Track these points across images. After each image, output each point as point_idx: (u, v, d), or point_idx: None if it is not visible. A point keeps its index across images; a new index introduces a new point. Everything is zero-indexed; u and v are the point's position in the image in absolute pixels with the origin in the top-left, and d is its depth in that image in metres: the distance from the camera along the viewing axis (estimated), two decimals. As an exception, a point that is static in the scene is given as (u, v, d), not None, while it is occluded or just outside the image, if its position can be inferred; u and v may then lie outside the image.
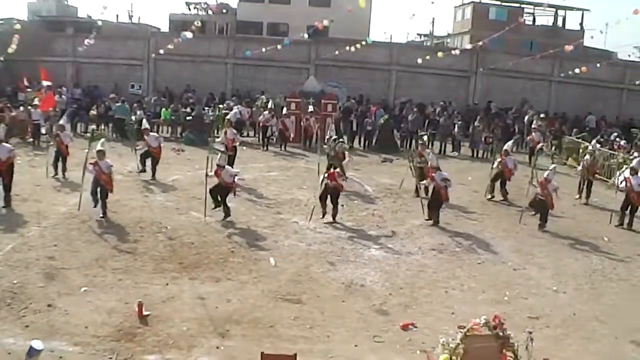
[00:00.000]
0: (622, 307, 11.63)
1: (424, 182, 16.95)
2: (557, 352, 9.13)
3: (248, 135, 28.38)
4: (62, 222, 14.53)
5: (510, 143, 20.34)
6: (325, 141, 18.47)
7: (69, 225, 14.26)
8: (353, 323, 10.26)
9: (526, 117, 30.54)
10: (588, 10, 59.86)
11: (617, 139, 26.82)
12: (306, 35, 28.17)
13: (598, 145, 23.91)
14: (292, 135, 26.78)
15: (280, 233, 14.75)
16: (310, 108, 26.84)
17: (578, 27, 53.03)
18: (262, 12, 48.83)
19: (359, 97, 34.28)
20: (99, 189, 15.00)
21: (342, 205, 16.60)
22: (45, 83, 24.47)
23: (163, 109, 28.61)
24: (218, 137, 21.68)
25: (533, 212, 16.55)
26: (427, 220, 16.10)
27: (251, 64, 34.82)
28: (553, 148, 27.10)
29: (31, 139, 24.35)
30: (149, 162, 19.45)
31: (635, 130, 32.17)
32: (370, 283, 12.03)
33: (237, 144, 20.20)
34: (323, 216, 15.83)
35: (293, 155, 25.32)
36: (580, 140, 25.74)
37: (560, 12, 53.04)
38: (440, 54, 29.07)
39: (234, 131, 21.11)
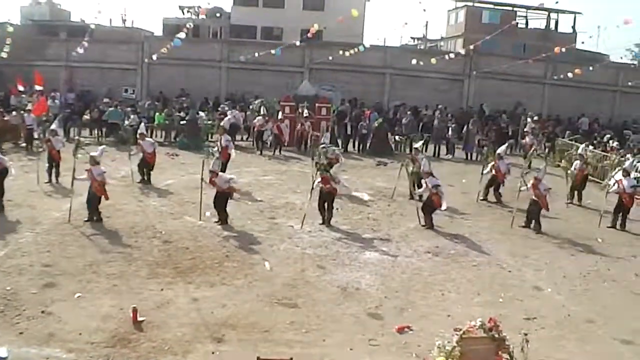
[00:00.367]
0: (616, 307, 11.65)
1: (420, 190, 16.93)
2: (552, 353, 9.14)
3: (242, 140, 28.33)
4: (55, 227, 14.48)
5: (504, 147, 20.36)
6: (317, 147, 18.37)
7: (63, 231, 14.22)
8: (349, 327, 10.24)
9: (521, 120, 30.60)
10: (580, 13, 60.10)
11: (610, 141, 26.87)
12: (298, 42, 28.21)
13: (591, 147, 24.02)
14: (286, 139, 26.77)
15: (275, 237, 14.73)
16: (306, 112, 26.83)
17: (570, 30, 53.21)
18: (255, 16, 48.83)
19: (353, 100, 34.31)
20: (90, 196, 14.99)
21: (337, 209, 16.59)
22: (37, 88, 24.40)
23: (157, 114, 28.55)
24: (212, 141, 21.65)
25: (524, 224, 16.51)
26: (422, 226, 16.08)
27: (245, 68, 34.82)
28: (546, 150, 27.17)
29: (24, 144, 24.25)
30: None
31: (628, 132, 32.32)
32: (366, 286, 12.01)
33: (231, 151, 20.11)
34: (323, 222, 15.84)
35: (288, 159, 25.30)
36: (573, 142, 25.78)
37: (553, 15, 53.20)
38: (433, 60, 29.16)
39: (228, 138, 21.08)
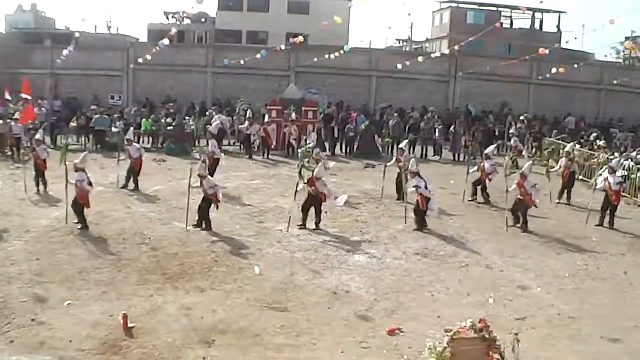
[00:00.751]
0: (606, 306, 11.71)
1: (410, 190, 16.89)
2: (543, 353, 9.18)
3: (230, 145, 28.30)
4: (44, 235, 14.41)
5: (492, 147, 20.47)
6: (300, 149, 18.30)
7: (52, 239, 14.15)
8: (339, 330, 10.25)
9: (507, 121, 30.75)
10: (565, 12, 60.41)
11: (597, 140, 27.05)
12: (283, 47, 28.26)
13: (578, 146, 24.16)
14: (274, 143, 26.76)
15: (264, 241, 14.72)
16: (293, 116, 26.85)
17: (555, 30, 53.54)
18: (241, 20, 48.84)
19: (339, 103, 34.36)
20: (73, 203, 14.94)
21: (326, 212, 16.60)
22: (24, 96, 24.28)
23: (144, 120, 28.48)
24: (198, 147, 21.62)
25: (512, 223, 16.59)
26: (416, 230, 16.07)
27: (231, 73, 34.84)
28: (533, 150, 27.31)
29: (10, 153, 24.11)
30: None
31: (615, 131, 32.53)
32: (356, 289, 12.03)
33: (220, 156, 20.08)
34: (304, 226, 15.80)
35: (276, 163, 25.29)
36: (560, 142, 25.93)
37: (538, 15, 53.52)
38: (420, 58, 29.25)
39: (215, 143, 21.08)
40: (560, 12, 53.69)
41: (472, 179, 19.39)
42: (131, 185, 19.21)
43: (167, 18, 58.48)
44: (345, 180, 21.45)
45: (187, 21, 46.38)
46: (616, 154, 22.35)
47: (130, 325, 9.88)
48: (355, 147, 27.62)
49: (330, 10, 36.83)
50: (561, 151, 21.40)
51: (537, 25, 54.24)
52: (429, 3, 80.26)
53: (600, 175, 18.04)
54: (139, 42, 46.73)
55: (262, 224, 16.21)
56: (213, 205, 15.46)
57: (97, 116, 27.32)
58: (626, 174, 20.43)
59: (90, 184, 15.11)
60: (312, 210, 15.86)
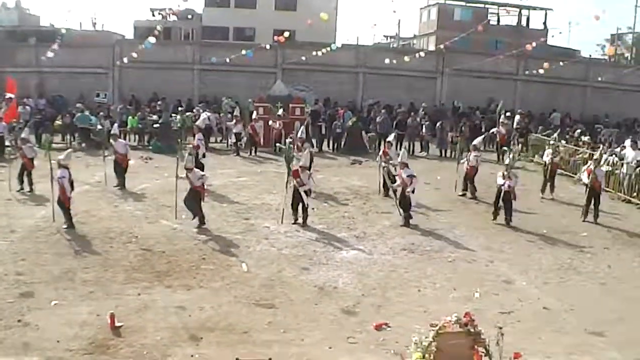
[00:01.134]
0: (590, 299, 11.83)
1: (395, 184, 16.92)
2: (527, 346, 9.25)
3: (216, 142, 28.27)
4: (29, 235, 14.35)
5: (480, 139, 20.57)
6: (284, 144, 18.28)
7: (37, 239, 14.10)
8: (327, 325, 10.30)
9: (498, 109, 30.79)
10: (551, 9, 60.89)
11: (582, 136, 27.21)
12: (269, 46, 28.26)
13: (563, 142, 24.31)
14: (261, 140, 26.75)
15: (251, 238, 14.74)
16: (280, 112, 26.85)
17: (542, 26, 53.80)
18: (227, 16, 48.73)
19: (326, 100, 34.38)
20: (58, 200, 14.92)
21: (313, 209, 16.66)
22: (9, 95, 24.07)
23: (130, 117, 28.38)
24: (186, 144, 21.58)
25: (494, 218, 16.68)
26: (401, 225, 16.13)
27: (218, 70, 34.73)
28: (519, 146, 27.42)
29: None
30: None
31: (599, 126, 32.74)
32: (343, 285, 12.08)
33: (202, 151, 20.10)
34: (295, 221, 15.88)
35: (262, 160, 25.29)
36: (546, 137, 26.06)
37: (525, 12, 53.78)
38: (406, 57, 29.36)
39: (201, 137, 21.11)
40: (546, 9, 54.02)
41: (462, 172, 19.44)
42: (114, 181, 19.14)
43: (153, 14, 58.23)
44: (333, 177, 21.47)
45: (173, 18, 46.16)
46: (603, 148, 22.44)
47: (117, 324, 9.88)
48: (343, 143, 27.66)
49: (318, 7, 36.88)
50: (546, 146, 21.46)
51: (523, 22, 54.48)
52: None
53: (584, 171, 18.11)
54: (124, 39, 46.41)
55: (249, 220, 16.22)
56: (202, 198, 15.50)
57: (79, 114, 27.22)
58: (610, 169, 20.59)
59: (71, 182, 15.03)
60: (300, 206, 15.91)
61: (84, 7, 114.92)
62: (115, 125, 21.74)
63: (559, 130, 23.53)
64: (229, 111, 28.39)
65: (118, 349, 9.24)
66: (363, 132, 28.09)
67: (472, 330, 6.85)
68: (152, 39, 22.30)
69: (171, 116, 28.58)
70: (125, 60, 29.58)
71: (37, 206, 16.70)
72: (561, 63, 30.53)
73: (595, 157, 17.96)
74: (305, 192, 15.85)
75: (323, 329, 10.15)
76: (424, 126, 28.41)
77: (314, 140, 26.97)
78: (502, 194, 16.43)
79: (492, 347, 6.70)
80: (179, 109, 30.28)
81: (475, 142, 19.99)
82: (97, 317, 10.17)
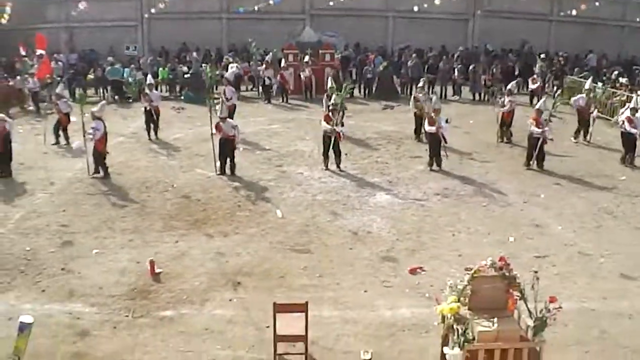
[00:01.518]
0: (626, 244, 11.72)
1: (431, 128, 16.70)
2: (562, 290, 9.28)
3: (247, 90, 28.24)
4: (68, 187, 14.66)
5: (513, 83, 20.21)
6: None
7: (76, 190, 14.39)
8: (361, 270, 10.43)
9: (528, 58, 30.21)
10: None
11: (619, 77, 26.54)
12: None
13: (600, 84, 23.76)
14: (291, 88, 26.65)
15: (285, 185, 14.86)
16: (306, 58, 26.66)
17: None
18: (255, -36, 47.95)
19: (356, 45, 33.99)
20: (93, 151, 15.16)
21: (346, 154, 16.66)
22: (40, 51, 24.19)
23: (160, 69, 28.42)
24: (217, 94, 21.59)
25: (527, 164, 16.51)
26: (430, 169, 16.12)
27: (246, 18, 34.37)
28: (555, 88, 26.91)
29: (32, 108, 24.31)
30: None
31: (638, 68, 31.86)
32: (377, 230, 12.17)
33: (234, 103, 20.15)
34: (327, 168, 15.95)
35: (294, 107, 25.24)
36: (582, 79, 25.51)
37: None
38: (436, 1, 28.73)
39: (232, 89, 21.15)
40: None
41: (498, 118, 19.13)
42: (152, 134, 19.34)
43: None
44: (364, 122, 21.38)
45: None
46: (638, 92, 21.84)
47: (157, 270, 10.15)
48: (374, 88, 27.40)
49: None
50: (583, 89, 20.96)
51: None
52: (446, -61, 77.68)
53: (622, 113, 17.73)
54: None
55: (282, 167, 16.33)
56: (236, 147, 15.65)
57: (109, 67, 27.36)
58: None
59: (105, 134, 15.24)
60: (332, 151, 15.98)
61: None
62: (149, 76, 21.79)
63: (590, 80, 22.66)
64: (258, 59, 28.20)
65: (158, 294, 9.50)
66: (394, 77, 27.81)
67: (507, 274, 6.86)
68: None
69: (201, 66, 28.55)
70: (153, 11, 29.48)
71: (74, 159, 16.96)
72: (597, 3, 29.61)
73: (631, 105, 17.48)
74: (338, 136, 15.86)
75: (358, 274, 10.28)
76: (456, 69, 27.96)
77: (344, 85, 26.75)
78: (534, 140, 16.23)
79: (527, 291, 6.72)
80: (210, 59, 30.24)
81: (509, 86, 19.66)
82: (137, 264, 10.45)
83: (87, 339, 8.24)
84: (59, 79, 24.19)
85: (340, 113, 16.59)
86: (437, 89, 26.76)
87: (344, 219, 12.69)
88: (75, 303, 9.22)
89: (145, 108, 19.27)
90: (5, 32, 27.60)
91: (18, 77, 25.25)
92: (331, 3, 32.19)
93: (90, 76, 28.03)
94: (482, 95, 26.74)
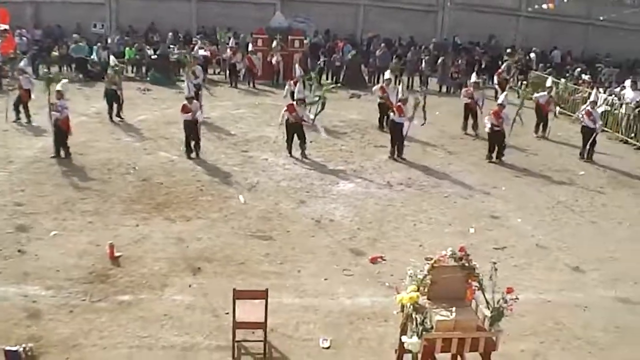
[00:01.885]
0: (583, 237, 12.01)
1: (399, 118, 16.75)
2: (520, 281, 9.42)
3: (215, 73, 27.99)
4: (28, 166, 14.37)
5: (473, 76, 20.36)
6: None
7: (36, 170, 14.12)
8: (323, 257, 10.46)
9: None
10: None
11: (582, 74, 26.96)
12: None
13: (562, 81, 24.10)
14: (259, 72, 26.50)
15: (249, 170, 14.80)
16: (274, 44, 26.53)
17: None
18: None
19: (326, 32, 33.92)
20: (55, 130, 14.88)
21: (311, 142, 16.65)
22: (2, 26, 23.61)
23: (127, 48, 28.00)
24: (182, 76, 21.38)
25: (489, 157, 16.70)
26: (389, 157, 16.23)
27: (216, 1, 34.06)
28: (519, 83, 27.18)
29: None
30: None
31: (600, 65, 32.39)
32: (340, 218, 12.22)
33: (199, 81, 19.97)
34: (290, 154, 15.94)
35: (261, 92, 25.09)
36: (546, 75, 25.82)
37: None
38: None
39: (201, 69, 20.98)
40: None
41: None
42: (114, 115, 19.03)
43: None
44: (332, 110, 21.35)
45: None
46: (601, 89, 22.20)
47: (117, 254, 10.03)
48: (342, 76, 27.39)
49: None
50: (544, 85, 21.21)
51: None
52: None
53: (583, 109, 18.01)
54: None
55: (247, 152, 16.25)
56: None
57: (74, 45, 26.88)
58: (609, 109, 20.52)
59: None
60: (296, 137, 15.98)
61: None
62: (112, 57, 21.35)
63: (552, 77, 22.87)
64: (226, 42, 27.96)
65: (117, 278, 9.40)
66: (362, 66, 27.83)
67: (466, 264, 6.92)
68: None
69: (169, 47, 28.21)
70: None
71: (36, 137, 16.66)
72: (565, 0, 29.94)
73: (591, 99, 17.80)
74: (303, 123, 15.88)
75: (319, 261, 10.31)
76: (423, 61, 28.08)
77: (312, 73, 26.70)
78: (493, 133, 16.46)
79: (486, 281, 6.80)
80: (179, 41, 29.95)
81: (472, 78, 19.86)
82: (96, 247, 10.31)
83: (43, 323, 8.12)
84: (22, 54, 23.66)
85: (319, 107, 16.54)
86: (404, 79, 26.81)
87: (307, 207, 12.70)
88: (31, 285, 9.05)
89: (107, 89, 18.90)
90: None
91: (-21, 52, 24.66)
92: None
93: (55, 53, 27.48)
94: (449, 87, 26.90)
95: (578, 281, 10.17)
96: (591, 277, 10.33)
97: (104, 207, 12.17)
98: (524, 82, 26.26)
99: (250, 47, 26.93)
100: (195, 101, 15.81)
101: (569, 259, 10.90)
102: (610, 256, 11.18)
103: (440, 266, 6.93)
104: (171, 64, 26.62)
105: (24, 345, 7.35)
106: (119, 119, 18.86)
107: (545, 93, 19.78)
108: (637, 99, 20.11)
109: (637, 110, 19.68)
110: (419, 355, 6.55)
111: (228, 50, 26.42)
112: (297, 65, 22.01)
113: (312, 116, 16.32)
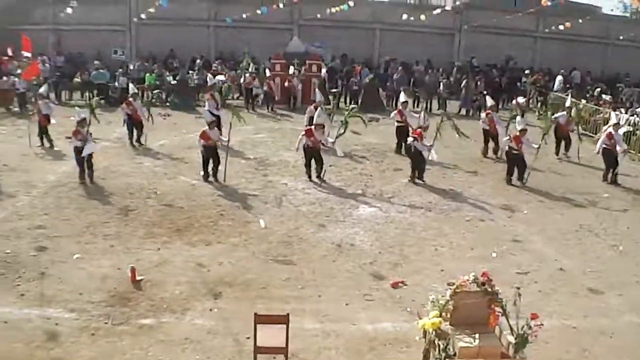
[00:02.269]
0: (608, 261, 11.82)
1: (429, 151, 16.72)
2: (544, 307, 9.30)
3: (234, 98, 28.19)
4: (51, 190, 14.53)
5: (490, 100, 20.28)
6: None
7: (59, 194, 14.27)
8: (344, 282, 10.40)
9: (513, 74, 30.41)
10: (572, -37, 59.28)
11: (602, 95, 26.83)
12: (281, 5, 28.07)
13: (583, 101, 23.96)
14: (277, 97, 26.67)
15: (269, 195, 14.82)
16: (292, 69, 26.72)
17: (562, -18, 52.53)
18: (243, -28, 47.96)
19: (343, 56, 34.09)
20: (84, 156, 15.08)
21: (330, 166, 16.66)
22: (25, 54, 24.08)
23: (147, 74, 28.34)
24: (204, 103, 21.56)
25: (509, 180, 16.60)
26: (409, 181, 16.19)
27: (233, 27, 34.39)
28: (538, 105, 27.13)
29: (17, 109, 24.13)
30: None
31: (621, 85, 32.24)
32: (360, 242, 12.17)
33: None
34: (310, 179, 15.97)
35: (280, 116, 25.22)
36: (566, 96, 25.73)
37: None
38: (422, 16, 28.96)
39: (218, 95, 21.24)
40: (567, -37, 52.68)
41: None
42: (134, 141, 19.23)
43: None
44: (349, 134, 21.36)
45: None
46: (622, 109, 22.08)
47: (138, 277, 10.06)
48: (359, 100, 27.47)
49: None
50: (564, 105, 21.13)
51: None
52: (435, -46, 78.01)
53: (605, 131, 17.87)
54: (140, -5, 45.98)
55: (267, 177, 16.30)
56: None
57: (94, 72, 27.31)
58: (631, 129, 20.35)
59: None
60: (314, 161, 16.07)
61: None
62: (131, 85, 21.56)
63: (570, 97, 22.77)
64: (246, 68, 28.18)
65: (138, 301, 9.41)
66: (380, 90, 27.92)
67: (489, 289, 6.88)
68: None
69: (188, 73, 28.51)
70: (142, 16, 29.42)
71: (57, 162, 16.85)
72: (580, 20, 29.93)
73: (613, 121, 17.67)
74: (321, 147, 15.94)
75: (340, 286, 10.25)
76: (441, 83, 28.11)
77: (330, 98, 26.83)
78: (512, 156, 16.40)
79: (509, 307, 6.74)
80: (198, 66, 30.24)
81: (489, 102, 19.83)
82: (118, 271, 10.36)
83: (65, 345, 8.13)
84: (44, 80, 24.05)
85: (342, 130, 16.61)
86: (422, 103, 26.86)
87: (327, 231, 12.68)
88: (53, 308, 9.10)
89: (128, 114, 19.10)
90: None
91: (4, 78, 25.10)
92: (318, 15, 32.31)
93: (77, 79, 27.91)
94: (469, 110, 26.85)
95: (603, 307, 10.00)
96: (617, 302, 10.16)
97: (125, 230, 12.24)
98: (543, 104, 26.25)
99: (268, 72, 27.14)
100: (215, 128, 15.95)
101: (594, 284, 10.74)
102: (637, 280, 11.00)
103: (462, 291, 6.89)
104: (191, 89, 26.91)
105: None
106: (139, 144, 19.04)
107: (565, 113, 19.70)
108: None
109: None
110: (443, 382, 6.49)
111: (247, 75, 26.60)
112: (317, 90, 22.09)
113: (331, 140, 16.31)
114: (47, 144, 18.42)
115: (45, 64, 28.50)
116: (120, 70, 28.11)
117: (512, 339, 6.66)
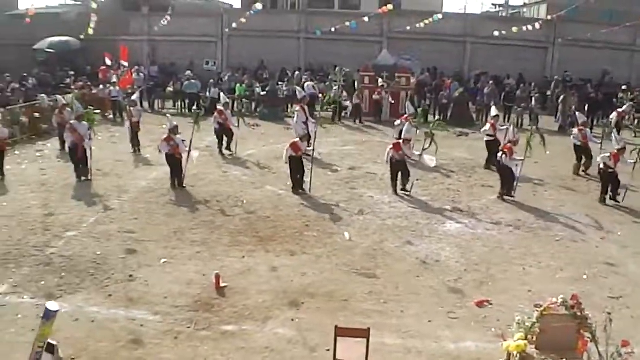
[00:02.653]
0: None
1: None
2: (636, 334, 8.84)
3: (322, 110, 28.38)
4: (141, 195, 15.02)
5: (582, 116, 19.61)
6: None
7: (149, 199, 14.73)
8: (427, 298, 10.23)
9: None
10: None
11: None
12: (366, 19, 28.20)
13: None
14: (366, 109, 26.71)
15: (355, 207, 14.78)
16: (380, 82, 26.70)
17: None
18: (333, -15, 48.47)
19: (432, 70, 33.81)
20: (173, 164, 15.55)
21: (418, 180, 16.49)
22: (123, 63, 25.16)
23: (237, 85, 28.97)
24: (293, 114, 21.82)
25: (603, 200, 15.94)
26: (498, 197, 15.81)
27: (323, 39, 34.73)
28: (636, 121, 26.05)
29: (112, 116, 25.18)
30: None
31: None
32: (445, 259, 11.95)
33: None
34: (395, 192, 15.84)
35: (367, 129, 25.21)
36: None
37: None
38: (514, 29, 28.39)
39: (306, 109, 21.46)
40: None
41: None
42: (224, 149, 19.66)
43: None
44: (439, 148, 21.15)
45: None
46: None
47: (222, 284, 10.21)
48: (449, 114, 27.15)
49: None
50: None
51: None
52: (529, -34, 76.92)
53: None
54: (232, 8, 47.25)
55: (354, 189, 16.29)
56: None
57: (186, 82, 28.17)
58: None
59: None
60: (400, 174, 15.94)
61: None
62: (222, 95, 22.10)
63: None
64: (334, 80, 28.35)
65: (222, 308, 9.54)
66: (470, 103, 27.51)
67: (578, 313, 6.62)
68: (258, 6, 22.61)
69: (277, 84, 28.95)
70: (233, 26, 30.11)
71: (149, 168, 17.41)
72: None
73: None
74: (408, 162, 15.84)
75: (423, 302, 10.09)
76: (533, 98, 27.40)
77: (419, 111, 26.66)
78: (606, 175, 15.76)
79: (599, 332, 6.45)
80: (287, 77, 30.66)
81: (580, 119, 19.17)
82: (203, 277, 10.55)
83: (148, 347, 8.34)
84: (138, 89, 25.00)
85: (429, 140, 16.51)
86: (514, 117, 26.27)
87: (413, 246, 12.52)
88: (139, 310, 9.36)
89: (219, 123, 19.56)
90: (91, 42, 28.73)
91: (101, 86, 26.23)
92: (408, 28, 32.21)
93: (170, 89, 28.88)
94: (563, 126, 26.00)
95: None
96: None
97: (211, 237, 12.47)
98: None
99: (356, 85, 27.22)
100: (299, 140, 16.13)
101: (692, 312, 10.17)
102: None
103: (550, 314, 6.67)
104: (280, 100, 27.31)
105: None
106: (229, 152, 19.45)
107: None
108: None
109: None
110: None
111: (335, 87, 26.77)
112: (408, 103, 22.00)
113: (417, 153, 16.16)
114: (137, 150, 19.10)
115: (140, 74, 29.62)
116: (212, 81, 28.83)
117: (602, 366, 6.38)
